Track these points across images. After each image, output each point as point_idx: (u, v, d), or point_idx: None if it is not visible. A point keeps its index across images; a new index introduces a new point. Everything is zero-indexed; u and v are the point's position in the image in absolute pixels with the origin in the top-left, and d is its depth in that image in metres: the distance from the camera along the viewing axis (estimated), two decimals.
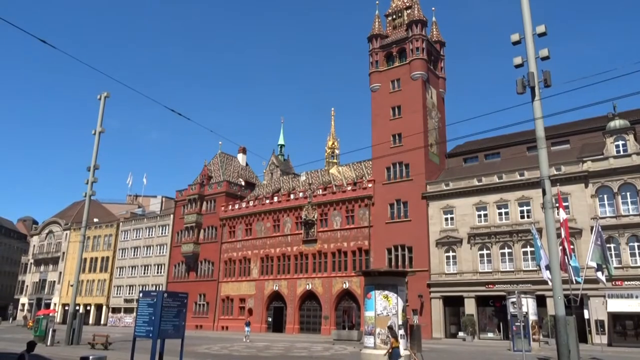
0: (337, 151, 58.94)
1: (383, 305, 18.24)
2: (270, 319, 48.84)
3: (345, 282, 44.20)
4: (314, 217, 47.62)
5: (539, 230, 28.23)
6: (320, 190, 48.64)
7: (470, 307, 37.23)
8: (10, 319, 76.28)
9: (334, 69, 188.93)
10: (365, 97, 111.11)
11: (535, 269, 33.54)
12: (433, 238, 39.97)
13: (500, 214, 37.68)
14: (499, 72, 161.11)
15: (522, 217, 36.53)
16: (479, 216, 38.52)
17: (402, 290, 18.88)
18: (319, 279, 46.09)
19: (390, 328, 16.73)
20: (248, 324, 36.22)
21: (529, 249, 35.01)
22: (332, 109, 57.44)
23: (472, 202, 38.90)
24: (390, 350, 14.75)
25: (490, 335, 36.56)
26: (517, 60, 15.01)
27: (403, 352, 15.86)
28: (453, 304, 38.57)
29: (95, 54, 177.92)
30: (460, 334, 37.06)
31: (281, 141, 72.08)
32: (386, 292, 18.34)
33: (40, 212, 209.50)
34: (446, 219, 40.02)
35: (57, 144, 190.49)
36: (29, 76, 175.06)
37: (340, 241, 45.72)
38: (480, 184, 38.87)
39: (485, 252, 37.66)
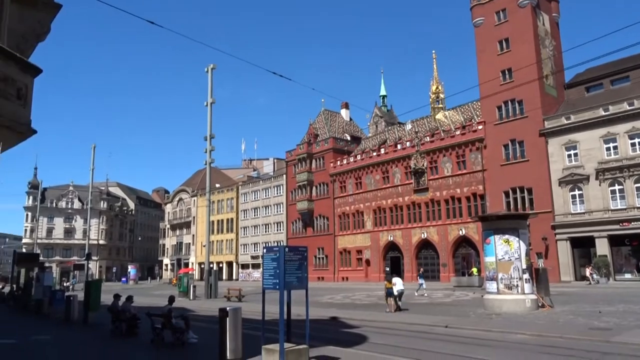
0: (441, 95, 56.42)
1: (504, 250, 17.74)
2: (387, 269, 49.75)
3: (461, 229, 43.30)
4: (423, 165, 46.75)
5: None
6: (428, 138, 47.41)
7: (602, 247, 34.63)
8: (158, 277, 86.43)
9: (430, 9, 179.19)
10: (469, 34, 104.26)
11: None
12: (555, 177, 37.35)
13: (633, 144, 34.02)
14: None
15: None
16: (608, 149, 35.08)
17: (524, 234, 18.15)
18: (434, 227, 45.64)
19: (387, 274, 21.03)
20: (421, 276, 30.24)
21: None
22: (433, 51, 54.37)
23: (598, 134, 35.46)
24: (386, 291, 19.40)
25: (627, 276, 33.87)
26: None
27: (396, 291, 18.95)
28: (582, 245, 36.16)
29: (200, 27, 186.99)
30: (593, 275, 34.75)
31: (383, 92, 70.65)
32: (507, 236, 17.79)
33: (170, 182, 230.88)
34: (569, 156, 37.04)
35: (176, 118, 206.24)
36: (136, 58, 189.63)
37: (452, 188, 44.58)
38: (608, 113, 35.15)
39: (617, 187, 34.45)
